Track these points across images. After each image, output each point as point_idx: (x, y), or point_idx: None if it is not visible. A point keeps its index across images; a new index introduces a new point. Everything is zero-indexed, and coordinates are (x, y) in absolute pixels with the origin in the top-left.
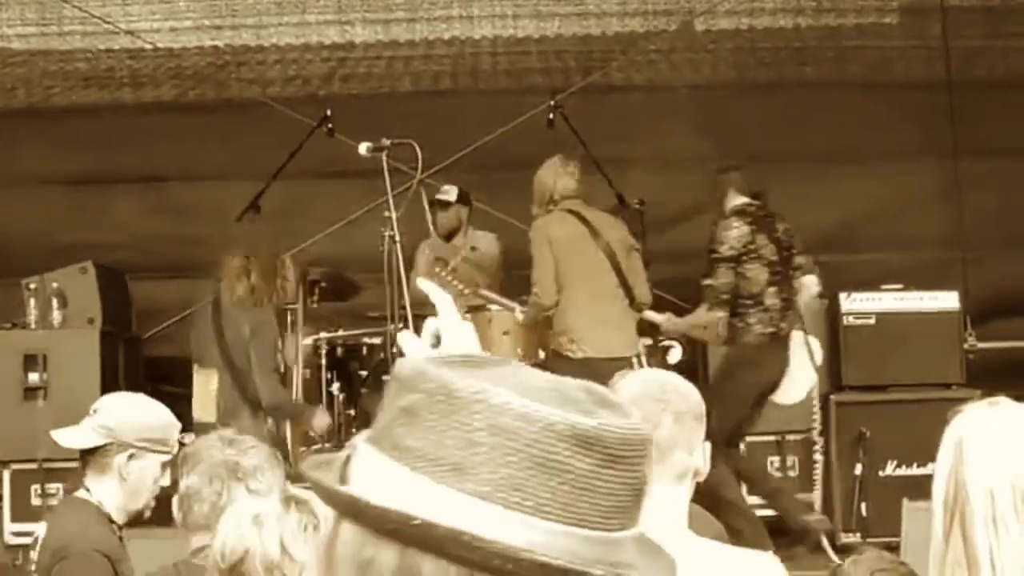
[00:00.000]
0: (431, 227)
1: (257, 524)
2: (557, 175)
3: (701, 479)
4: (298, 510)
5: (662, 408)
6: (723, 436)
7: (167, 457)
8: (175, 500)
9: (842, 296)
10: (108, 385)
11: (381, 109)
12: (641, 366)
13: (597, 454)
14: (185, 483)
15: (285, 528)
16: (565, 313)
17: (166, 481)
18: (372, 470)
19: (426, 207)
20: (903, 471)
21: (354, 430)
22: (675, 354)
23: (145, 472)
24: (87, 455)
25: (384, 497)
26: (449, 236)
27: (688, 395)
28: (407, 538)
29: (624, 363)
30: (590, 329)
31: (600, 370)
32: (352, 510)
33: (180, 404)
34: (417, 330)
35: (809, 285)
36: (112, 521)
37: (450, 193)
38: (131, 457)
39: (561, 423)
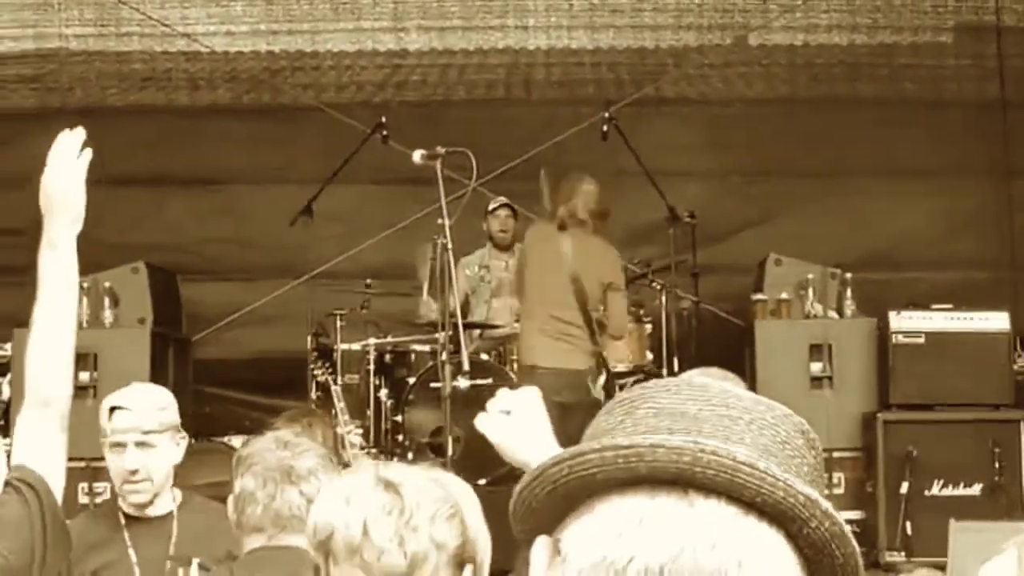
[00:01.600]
0: (490, 239)
1: (346, 503)
2: (573, 191)
3: None
4: (387, 492)
5: None
6: None
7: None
8: (230, 501)
9: (892, 314)
10: (157, 385)
11: (434, 116)
12: (595, 382)
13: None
14: (239, 485)
15: (370, 510)
16: (525, 321)
17: None
18: None
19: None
20: (949, 491)
21: (400, 436)
22: None
23: None
24: None
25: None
26: (508, 247)
27: None
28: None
29: (578, 374)
30: (543, 343)
31: (550, 380)
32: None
33: (226, 405)
34: (461, 339)
35: None
36: None
37: (503, 200)
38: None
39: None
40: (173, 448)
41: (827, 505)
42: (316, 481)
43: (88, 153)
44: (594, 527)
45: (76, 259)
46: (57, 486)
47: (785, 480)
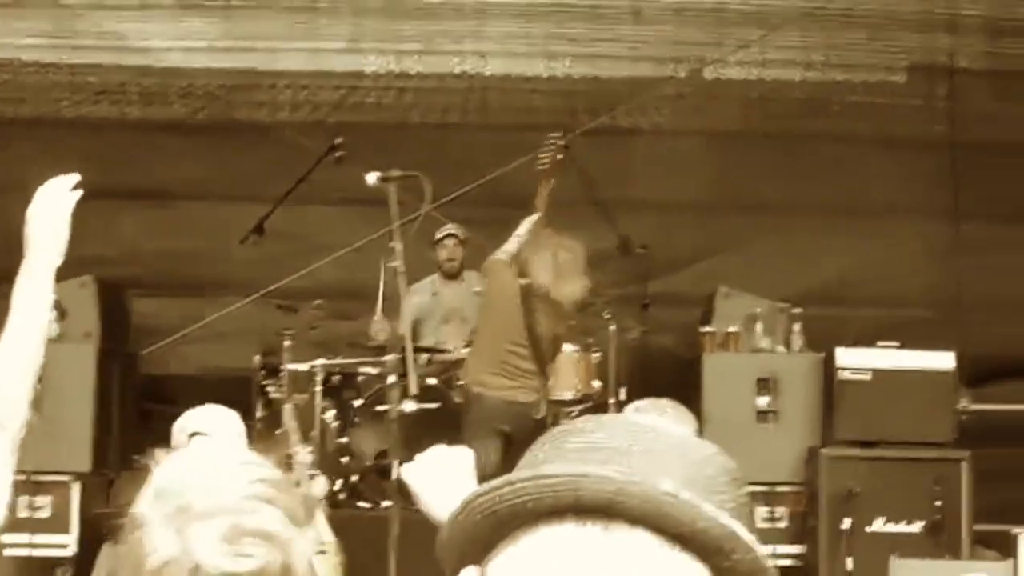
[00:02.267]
0: (439, 267)
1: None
2: (530, 251)
3: None
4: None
5: None
6: None
7: None
8: None
9: (839, 350)
10: (102, 401)
11: (389, 139)
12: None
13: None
14: None
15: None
16: (475, 354)
17: None
18: None
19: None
20: (891, 528)
21: (345, 458)
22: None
23: None
24: None
25: None
26: (455, 275)
27: None
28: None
29: (524, 407)
30: (493, 376)
31: (499, 410)
32: None
33: (169, 422)
34: (409, 363)
35: None
36: None
37: (460, 229)
38: None
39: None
40: None
41: (750, 538)
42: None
43: (79, 193)
44: (520, 557)
45: (52, 289)
46: (2, 504)
47: (708, 512)
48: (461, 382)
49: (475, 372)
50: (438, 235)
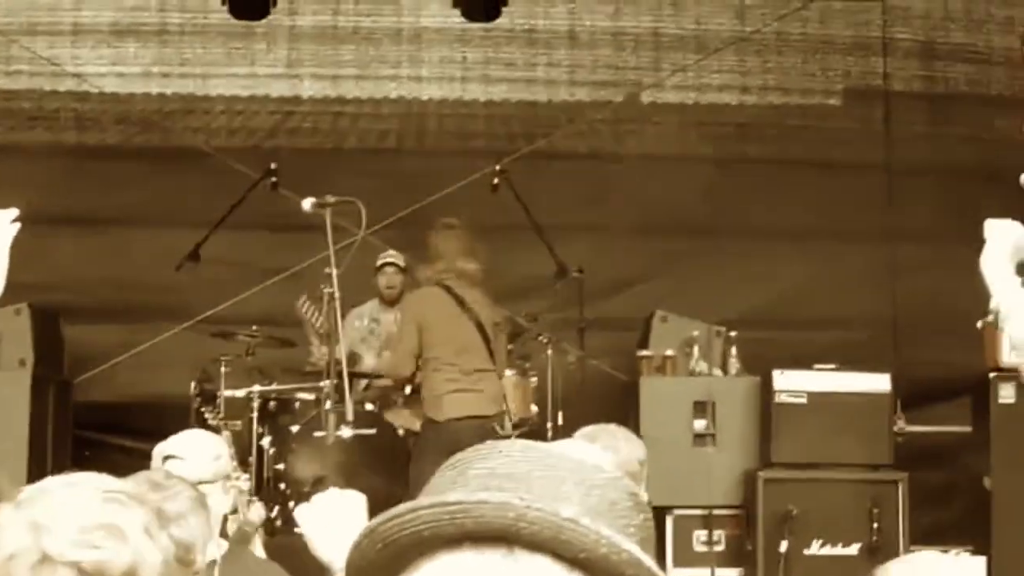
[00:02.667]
0: (379, 295)
1: None
2: (435, 239)
3: None
4: None
5: None
6: None
7: None
8: None
9: (775, 373)
10: (37, 428)
11: (326, 164)
12: (503, 427)
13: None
14: None
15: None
16: (431, 380)
17: None
18: None
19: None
20: (828, 550)
21: (282, 484)
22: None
23: None
24: None
25: None
26: (394, 302)
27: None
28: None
29: (488, 422)
30: (453, 392)
31: (462, 431)
32: None
33: (105, 449)
34: (346, 389)
35: None
36: None
37: (400, 257)
38: None
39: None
40: (223, 497)
41: (650, 563)
42: (187, 524)
43: (17, 226)
44: None
45: None
46: None
47: (609, 537)
48: (398, 408)
49: (436, 396)
50: (379, 262)
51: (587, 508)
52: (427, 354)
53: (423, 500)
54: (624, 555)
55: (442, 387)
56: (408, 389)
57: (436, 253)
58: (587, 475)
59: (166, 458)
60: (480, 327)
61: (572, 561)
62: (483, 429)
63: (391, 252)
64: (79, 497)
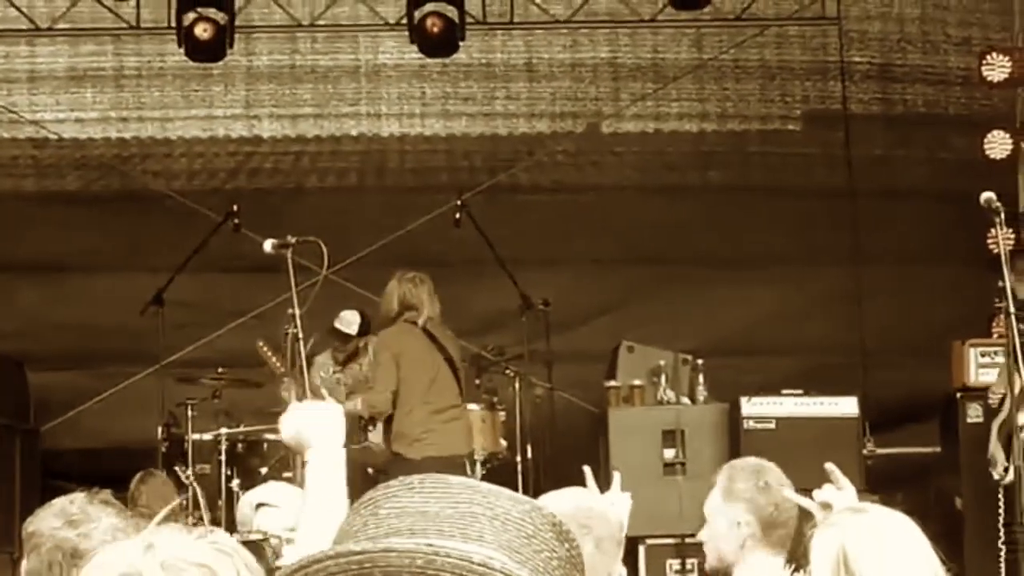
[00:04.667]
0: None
1: None
2: (401, 288)
3: None
4: None
5: (585, 533)
6: None
7: None
8: None
9: (743, 400)
10: (3, 477)
11: (287, 204)
12: (474, 465)
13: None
14: (25, 564)
15: None
16: (405, 418)
17: None
18: None
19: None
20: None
21: None
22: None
23: None
24: None
25: None
26: (346, 363)
27: (610, 520)
28: None
29: (460, 460)
30: (426, 433)
31: (436, 469)
32: None
33: None
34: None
35: None
36: None
37: (352, 325)
38: None
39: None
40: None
41: None
42: None
43: None
44: None
45: None
46: None
47: None
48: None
49: (412, 436)
50: (342, 327)
51: (501, 545)
52: (400, 389)
53: (328, 550)
54: None
55: (415, 428)
56: (373, 426)
57: (401, 301)
58: (502, 509)
59: (259, 506)
60: (451, 363)
61: None
62: (453, 466)
63: (345, 316)
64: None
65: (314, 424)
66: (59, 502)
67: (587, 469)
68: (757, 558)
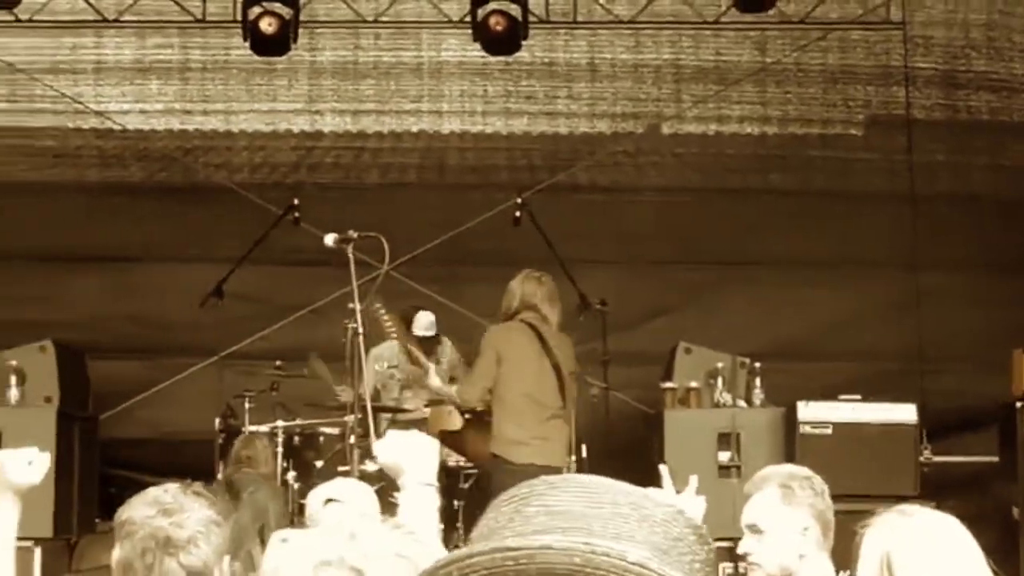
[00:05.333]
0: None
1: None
2: (523, 287)
3: None
4: None
5: None
6: None
7: None
8: (112, 567)
9: (800, 404)
10: (63, 465)
11: (347, 199)
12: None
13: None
14: (118, 552)
15: None
16: (508, 421)
17: None
18: None
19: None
20: None
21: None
22: None
23: None
24: None
25: None
26: (415, 362)
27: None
28: None
29: (559, 470)
30: (530, 439)
31: (535, 476)
32: None
33: (130, 486)
34: (374, 423)
35: None
36: None
37: (431, 328)
38: None
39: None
40: None
41: None
42: (196, 550)
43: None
44: None
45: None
46: None
47: None
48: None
49: (506, 438)
50: (418, 331)
51: (651, 546)
52: (500, 390)
53: (483, 546)
54: None
55: (518, 432)
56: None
57: (522, 300)
58: (648, 511)
59: (327, 501)
60: (558, 370)
61: None
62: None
63: (423, 319)
64: None
65: (410, 452)
66: (152, 491)
67: (664, 468)
68: (820, 563)
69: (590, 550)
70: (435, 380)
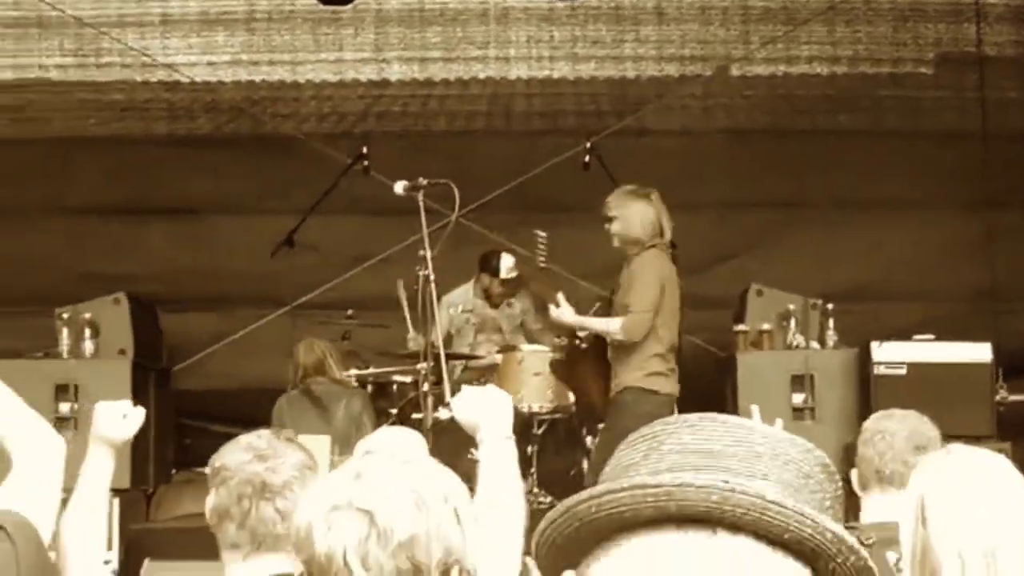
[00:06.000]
0: (475, 291)
1: (328, 529)
2: (661, 212)
3: None
4: (362, 518)
5: None
6: None
7: None
8: (207, 513)
9: (873, 345)
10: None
11: (415, 147)
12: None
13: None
14: (214, 498)
15: (348, 539)
16: (657, 348)
17: None
18: None
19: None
20: None
21: None
22: None
23: None
24: None
25: None
26: (497, 304)
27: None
28: None
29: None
30: (673, 368)
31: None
32: None
33: (204, 437)
34: (446, 372)
35: None
36: None
37: (514, 271)
38: None
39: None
40: None
41: (852, 540)
42: (292, 495)
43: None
44: (625, 562)
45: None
46: (46, 526)
47: (813, 518)
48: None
49: (641, 370)
50: (503, 274)
51: (784, 484)
52: (657, 319)
53: (623, 482)
54: (828, 535)
55: (658, 364)
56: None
57: (661, 224)
58: (781, 449)
59: (365, 453)
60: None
61: (774, 541)
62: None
63: (505, 262)
64: None
65: (486, 408)
66: (245, 438)
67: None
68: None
69: (728, 488)
70: (571, 315)
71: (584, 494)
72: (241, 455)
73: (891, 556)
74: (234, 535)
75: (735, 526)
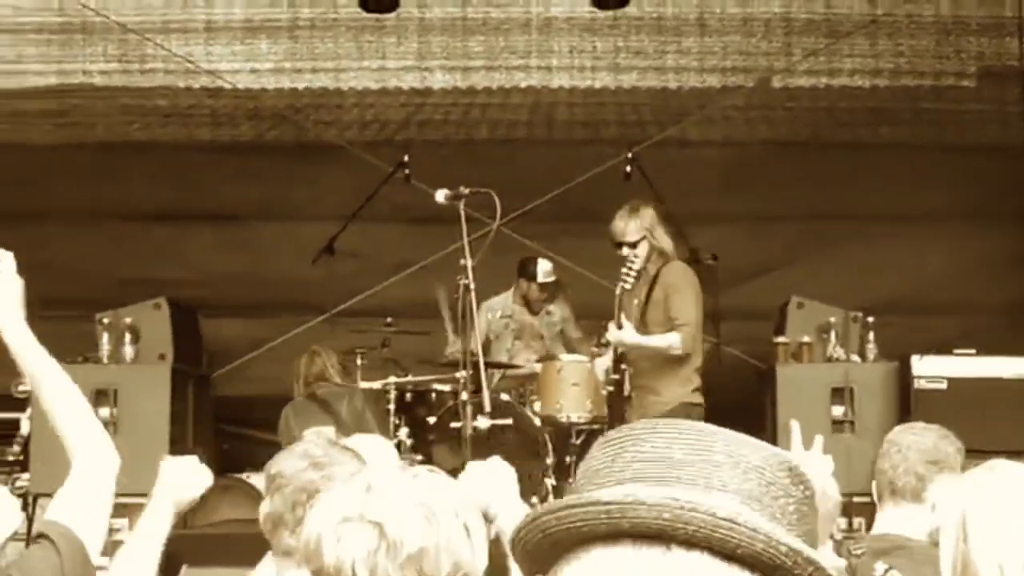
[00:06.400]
0: (514, 297)
1: (337, 541)
2: (665, 224)
3: None
4: (372, 530)
5: None
6: None
7: None
8: (261, 518)
9: (914, 358)
10: (177, 422)
11: (456, 155)
12: None
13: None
14: (269, 505)
15: (357, 551)
16: (697, 361)
17: None
18: None
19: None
20: None
21: None
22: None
23: None
24: None
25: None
26: (536, 311)
27: (827, 495)
28: None
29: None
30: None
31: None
32: None
33: (243, 443)
34: (482, 379)
35: None
36: None
37: (551, 273)
38: None
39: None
40: None
41: (809, 552)
42: None
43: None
44: (584, 574)
45: (35, 342)
46: (95, 542)
47: (766, 532)
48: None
49: (696, 383)
50: (541, 278)
51: (744, 494)
52: (698, 333)
53: (579, 498)
54: (782, 548)
55: (697, 378)
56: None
57: (670, 236)
58: (743, 456)
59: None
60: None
61: (729, 556)
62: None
63: (543, 267)
64: None
65: (494, 490)
66: (301, 446)
67: (795, 424)
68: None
69: (678, 506)
70: (632, 335)
71: (546, 507)
72: (297, 462)
73: (879, 567)
74: (287, 542)
75: (689, 543)
